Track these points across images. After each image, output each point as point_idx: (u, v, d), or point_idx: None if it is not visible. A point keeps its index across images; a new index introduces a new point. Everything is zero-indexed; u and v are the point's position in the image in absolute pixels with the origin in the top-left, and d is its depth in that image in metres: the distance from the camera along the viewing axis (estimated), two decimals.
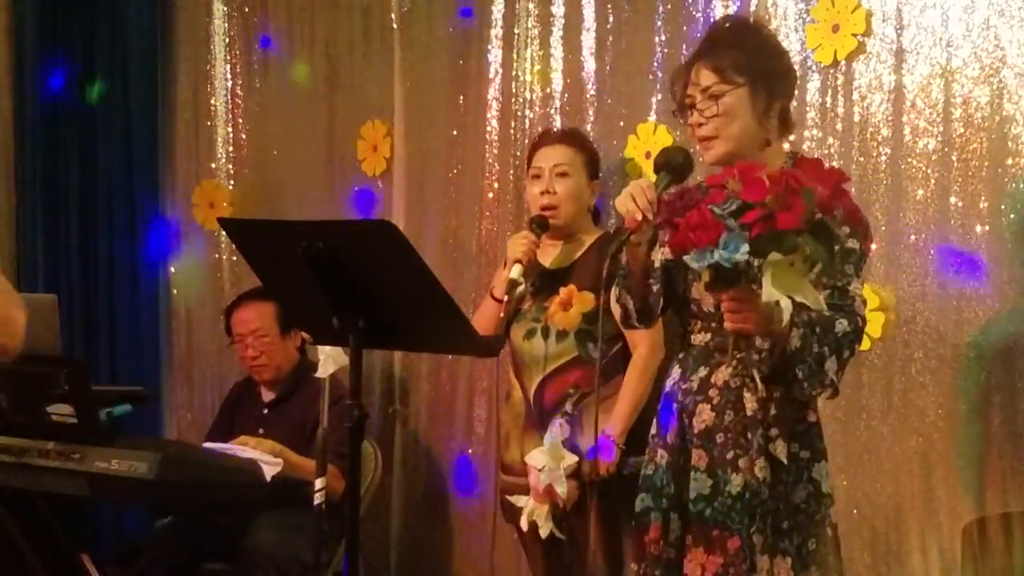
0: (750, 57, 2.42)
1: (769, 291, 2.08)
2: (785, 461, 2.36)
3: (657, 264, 2.49)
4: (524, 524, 3.14)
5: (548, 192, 3.22)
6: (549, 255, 3.26)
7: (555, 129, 3.52)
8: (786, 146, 2.58)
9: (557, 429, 3.10)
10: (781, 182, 2.07)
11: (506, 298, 3.14)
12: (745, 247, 2.04)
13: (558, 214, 3.21)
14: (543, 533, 3.09)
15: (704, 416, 2.43)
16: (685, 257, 2.12)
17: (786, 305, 2.09)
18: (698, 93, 2.44)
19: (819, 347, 2.28)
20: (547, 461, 3.05)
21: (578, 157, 3.26)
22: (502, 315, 3.20)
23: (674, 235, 2.13)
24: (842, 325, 2.30)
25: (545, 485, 3.04)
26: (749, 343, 2.35)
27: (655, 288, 2.49)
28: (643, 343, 3.12)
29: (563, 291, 3.16)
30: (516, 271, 3.10)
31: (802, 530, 2.39)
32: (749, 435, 2.37)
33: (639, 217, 2.35)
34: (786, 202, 2.04)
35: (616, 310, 2.57)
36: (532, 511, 3.11)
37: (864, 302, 2.38)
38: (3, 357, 2.60)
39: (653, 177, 2.49)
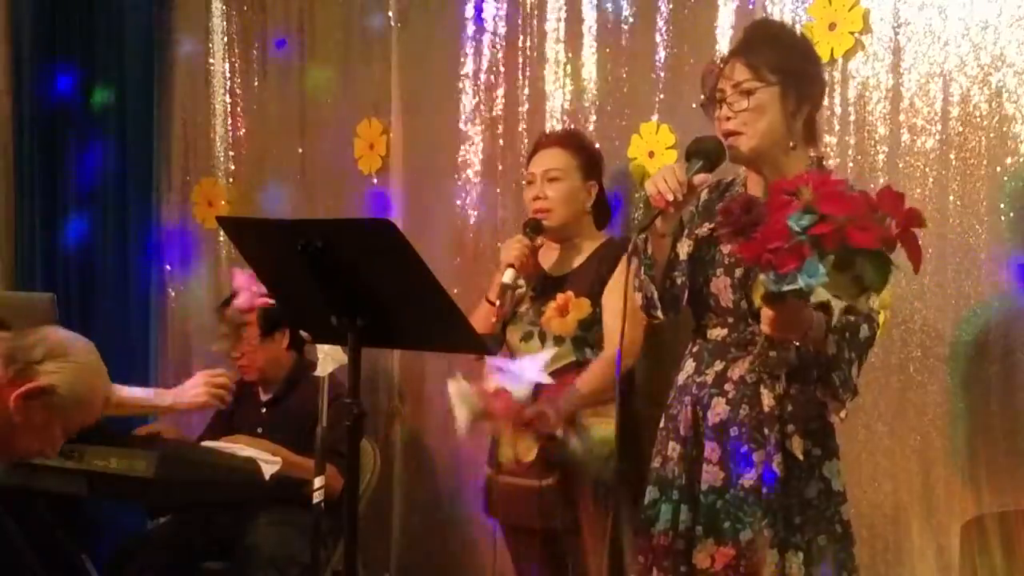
0: (785, 58, 2.46)
1: (819, 294, 2.09)
2: (801, 457, 2.39)
3: (683, 256, 2.50)
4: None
5: (539, 197, 3.22)
6: (549, 259, 3.27)
7: (553, 131, 3.52)
8: (811, 152, 2.59)
9: None
10: (863, 203, 2.07)
11: (498, 302, 3.15)
12: (823, 271, 2.04)
13: (550, 216, 3.21)
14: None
15: (719, 409, 2.45)
16: (761, 277, 2.12)
17: (837, 305, 2.13)
18: (729, 87, 2.45)
19: (849, 353, 2.33)
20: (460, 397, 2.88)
21: (572, 160, 3.24)
22: (494, 320, 3.19)
23: (747, 248, 2.12)
24: (864, 331, 2.34)
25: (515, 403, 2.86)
26: (770, 341, 2.37)
27: (679, 280, 2.51)
28: (612, 346, 3.07)
29: (560, 297, 3.15)
30: (508, 275, 3.11)
31: (812, 526, 2.41)
32: (765, 430, 2.39)
33: (669, 198, 2.35)
34: (863, 223, 2.04)
35: (637, 298, 2.57)
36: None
37: (879, 311, 2.41)
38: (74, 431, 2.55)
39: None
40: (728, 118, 2.45)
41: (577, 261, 3.24)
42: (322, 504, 3.13)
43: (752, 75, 2.43)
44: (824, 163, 2.56)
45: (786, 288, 2.07)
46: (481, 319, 3.21)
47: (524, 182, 3.33)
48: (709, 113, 2.53)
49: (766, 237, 2.07)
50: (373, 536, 4.08)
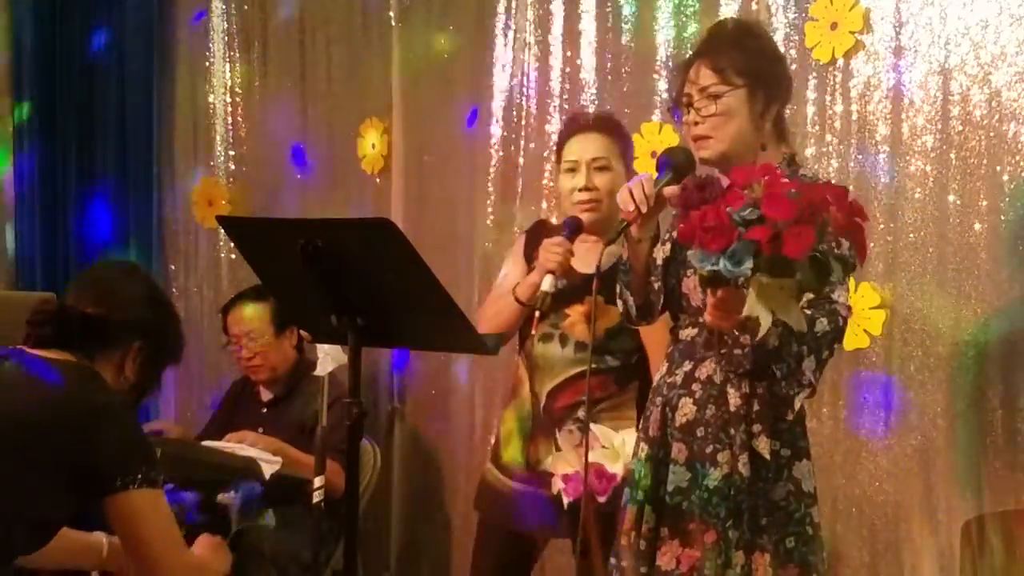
0: (750, 59, 2.43)
1: (752, 306, 2.06)
2: (768, 457, 2.36)
3: (659, 261, 2.50)
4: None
5: (588, 188, 2.96)
6: (579, 257, 2.93)
7: (588, 113, 3.27)
8: (783, 150, 2.58)
9: (567, 435, 2.95)
10: (803, 207, 2.03)
11: (538, 313, 2.86)
12: (749, 263, 2.01)
13: (598, 209, 2.96)
14: (564, 470, 2.92)
15: (686, 410, 2.43)
16: (688, 252, 2.12)
17: (765, 322, 2.07)
18: (696, 91, 2.44)
19: (798, 346, 2.27)
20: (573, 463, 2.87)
21: (615, 147, 3.01)
22: (533, 332, 2.96)
23: (685, 225, 2.11)
24: (822, 325, 2.28)
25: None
26: (734, 339, 2.35)
27: (656, 285, 2.50)
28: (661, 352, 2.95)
29: (588, 301, 2.89)
30: (548, 283, 2.82)
31: (780, 527, 2.37)
32: (731, 430, 2.36)
33: (631, 208, 2.34)
34: (798, 229, 2.00)
35: (619, 306, 2.57)
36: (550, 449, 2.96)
37: (848, 307, 2.36)
38: None
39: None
40: (696, 123, 2.43)
41: (605, 261, 2.78)
42: (322, 504, 3.13)
43: (718, 79, 2.40)
44: (796, 159, 2.54)
45: (707, 268, 2.05)
46: (504, 317, 3.02)
47: (561, 170, 3.04)
48: (678, 117, 2.53)
49: (704, 217, 2.06)
50: (373, 536, 4.08)
